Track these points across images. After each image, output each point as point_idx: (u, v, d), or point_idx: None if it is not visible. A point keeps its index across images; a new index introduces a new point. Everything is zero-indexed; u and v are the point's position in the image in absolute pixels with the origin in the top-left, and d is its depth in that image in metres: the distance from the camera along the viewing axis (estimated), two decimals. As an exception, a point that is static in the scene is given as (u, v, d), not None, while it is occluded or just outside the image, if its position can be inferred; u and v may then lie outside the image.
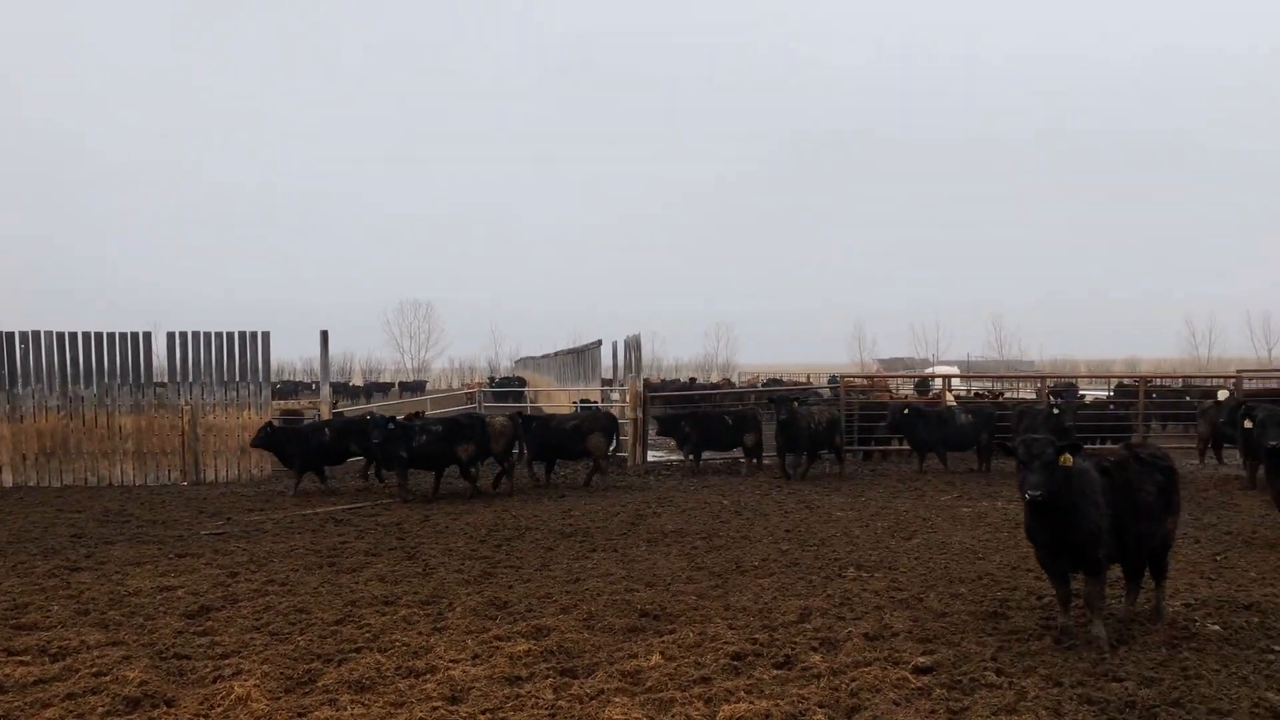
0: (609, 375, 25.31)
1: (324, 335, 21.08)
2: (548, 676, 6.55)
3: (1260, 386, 27.33)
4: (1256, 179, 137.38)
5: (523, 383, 51.22)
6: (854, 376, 33.40)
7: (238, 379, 19.59)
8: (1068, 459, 6.70)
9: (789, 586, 9.17)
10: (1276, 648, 6.84)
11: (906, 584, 9.18)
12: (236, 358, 19.61)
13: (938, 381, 33.50)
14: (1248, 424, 11.36)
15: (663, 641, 7.32)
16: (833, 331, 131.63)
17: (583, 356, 27.71)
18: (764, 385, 43.79)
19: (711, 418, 19.94)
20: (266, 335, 19.67)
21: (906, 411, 19.20)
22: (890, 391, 30.86)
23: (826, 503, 14.75)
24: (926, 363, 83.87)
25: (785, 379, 50.82)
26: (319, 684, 6.45)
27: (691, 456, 19.61)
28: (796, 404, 18.29)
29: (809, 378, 52.66)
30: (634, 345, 20.75)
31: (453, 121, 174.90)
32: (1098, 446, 21.54)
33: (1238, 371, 28.45)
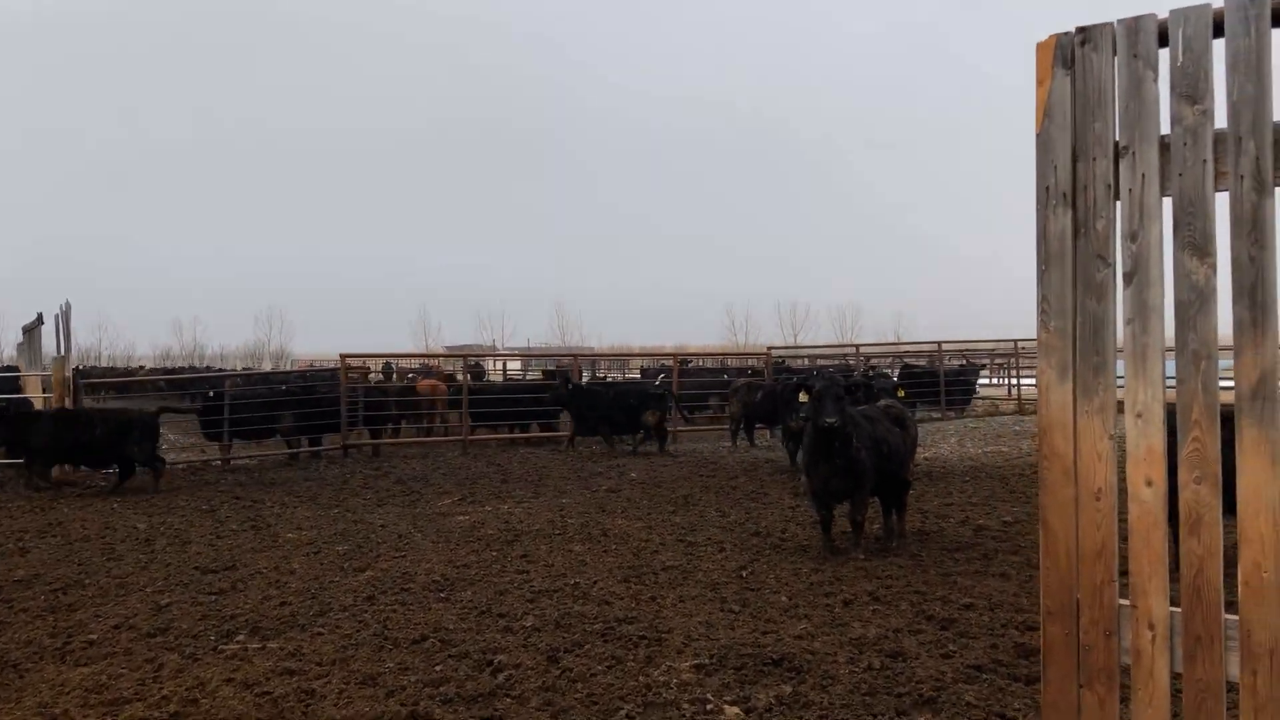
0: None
1: None
2: None
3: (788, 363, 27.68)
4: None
5: (16, 370, 42.06)
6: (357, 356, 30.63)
7: None
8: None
9: (113, 682, 5.53)
10: (818, 751, 4.35)
11: (307, 660, 5.89)
12: None
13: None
14: (804, 397, 9.26)
15: None
16: (397, 317, 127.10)
17: (33, 338, 21.58)
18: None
19: None
20: None
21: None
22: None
23: (285, 517, 11.14)
24: (493, 348, 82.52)
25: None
26: None
27: None
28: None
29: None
30: (64, 315, 15.65)
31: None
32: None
33: (768, 349, 28.70)
